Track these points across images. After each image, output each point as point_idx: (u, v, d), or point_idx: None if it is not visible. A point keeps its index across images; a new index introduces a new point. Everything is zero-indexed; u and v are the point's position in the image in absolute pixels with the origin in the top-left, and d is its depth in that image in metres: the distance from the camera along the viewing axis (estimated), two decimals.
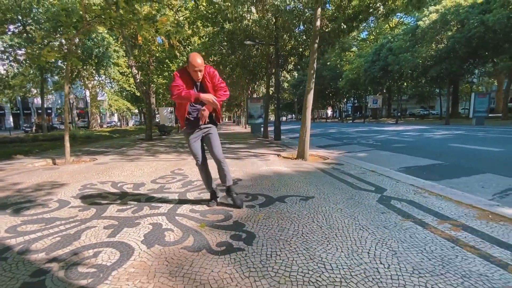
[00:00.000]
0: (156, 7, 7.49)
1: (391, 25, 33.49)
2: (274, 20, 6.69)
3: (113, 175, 4.36)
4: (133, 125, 43.04)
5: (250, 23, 5.69)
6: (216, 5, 8.56)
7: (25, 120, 38.28)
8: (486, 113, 17.55)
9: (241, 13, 5.34)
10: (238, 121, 44.50)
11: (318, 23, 6.31)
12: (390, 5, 6.86)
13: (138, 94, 22.50)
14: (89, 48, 14.65)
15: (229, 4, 5.26)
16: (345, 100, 42.03)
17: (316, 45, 6.29)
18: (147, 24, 5.37)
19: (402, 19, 34.68)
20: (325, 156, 6.23)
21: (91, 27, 6.22)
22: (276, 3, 5.29)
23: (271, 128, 12.79)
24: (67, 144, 5.80)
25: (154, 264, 1.64)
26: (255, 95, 18.78)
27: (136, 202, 2.88)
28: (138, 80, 11.14)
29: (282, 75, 18.43)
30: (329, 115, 66.65)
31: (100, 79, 21.56)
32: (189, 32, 9.06)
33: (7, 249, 1.86)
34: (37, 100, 38.13)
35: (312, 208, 2.65)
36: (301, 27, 9.73)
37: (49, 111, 40.93)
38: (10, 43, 14.11)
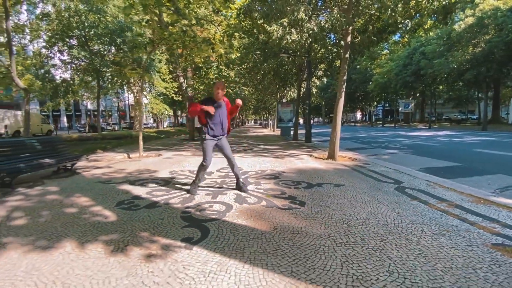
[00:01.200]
0: (207, 28, 8.92)
1: (425, 27, 32.66)
2: (310, 39, 7.70)
3: (185, 166, 5.68)
4: (166, 126, 46.11)
5: (289, 42, 6.77)
6: (259, 27, 9.80)
7: (76, 121, 42.94)
8: None
9: (282, 34, 6.44)
10: (265, 124, 45.78)
11: (349, 38, 7.23)
12: (417, 22, 7.56)
13: (176, 98, 24.62)
14: (140, 58, 16.73)
15: (274, 29, 6.39)
16: (375, 103, 41.42)
17: (347, 56, 7.21)
18: (206, 46, 6.70)
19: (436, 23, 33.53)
20: (353, 157, 7.09)
21: (157, 48, 7.74)
22: (314, 28, 6.33)
23: (300, 131, 13.75)
24: (141, 142, 7.32)
25: (247, 212, 2.79)
26: (284, 100, 19.81)
27: (215, 182, 4.09)
28: (184, 87, 12.75)
29: (312, 81, 19.29)
30: (358, 118, 65.29)
31: (144, 85, 24.07)
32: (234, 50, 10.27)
33: (156, 203, 3.12)
34: (86, 103, 42.67)
35: (343, 191, 3.65)
36: (332, 37, 10.65)
37: (96, 112, 45.36)
38: (77, 55, 16.70)
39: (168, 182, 4.11)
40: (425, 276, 1.62)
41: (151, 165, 5.76)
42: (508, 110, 32.59)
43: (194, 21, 6.72)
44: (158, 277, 1.61)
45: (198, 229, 2.33)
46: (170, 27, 7.36)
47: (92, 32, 16.60)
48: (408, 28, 7.88)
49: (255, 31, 12.32)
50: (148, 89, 27.93)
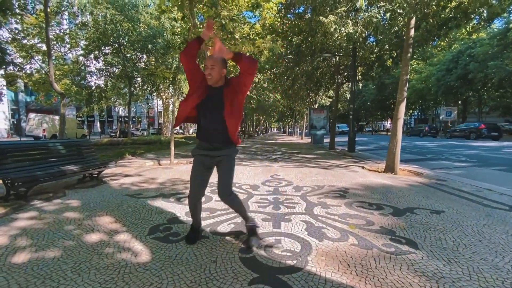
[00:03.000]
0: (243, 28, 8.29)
1: (468, 29, 30.02)
2: (366, 33, 6.72)
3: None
4: (192, 132, 46.62)
5: (343, 35, 5.84)
6: (297, 25, 9.02)
7: (108, 126, 44.83)
8: None
9: (340, 26, 5.54)
10: (290, 132, 44.62)
11: (412, 32, 6.17)
12: (496, 8, 6.29)
13: None
14: (170, 64, 16.68)
15: (332, 20, 5.51)
16: (411, 111, 38.69)
17: (409, 55, 6.14)
18: (248, 43, 5.99)
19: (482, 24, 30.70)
20: (416, 171, 5.89)
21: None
22: (374, 20, 5.37)
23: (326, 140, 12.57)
24: (173, 148, 6.70)
25: (337, 256, 1.86)
26: (316, 106, 18.71)
27: (267, 200, 3.22)
28: None
29: (344, 86, 18.05)
30: (387, 127, 61.83)
31: (171, 91, 24.29)
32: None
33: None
34: (118, 109, 44.49)
35: (453, 221, 2.60)
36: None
37: (126, 118, 47.18)
38: (111, 61, 17.01)
39: (208, 198, 3.30)
40: None
41: (185, 174, 5.04)
42: None
43: (235, 12, 6.07)
44: None
45: None
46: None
47: (126, 39, 16.91)
48: (483, 17, 6.63)
49: (289, 32, 11.58)
50: (176, 96, 28.28)
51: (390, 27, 6.68)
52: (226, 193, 1.99)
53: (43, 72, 13.22)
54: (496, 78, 18.74)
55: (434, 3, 6.36)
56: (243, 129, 44.59)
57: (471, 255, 1.89)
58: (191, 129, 50.18)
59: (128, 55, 17.86)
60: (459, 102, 31.09)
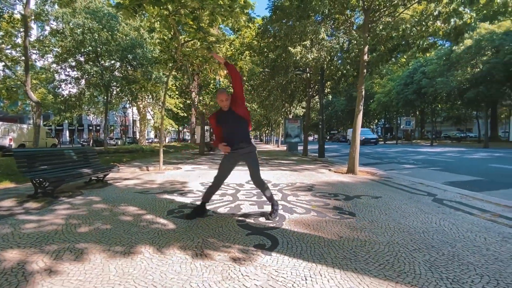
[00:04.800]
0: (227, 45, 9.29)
1: (415, 54, 34.02)
2: (328, 57, 8.04)
3: (211, 178, 5.68)
4: (168, 141, 46.18)
5: (309, 60, 7.05)
6: (273, 45, 10.23)
7: (78, 136, 42.92)
8: None
9: (305, 54, 6.74)
10: (267, 140, 46.05)
11: (365, 57, 7.54)
12: (430, 43, 7.91)
13: (181, 114, 24.89)
14: (150, 72, 17.10)
15: (298, 50, 6.69)
16: (376, 121, 42.11)
17: (364, 73, 7.49)
18: (230, 62, 6.93)
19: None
20: (372, 172, 7.14)
21: (179, 64, 8.00)
22: (336, 46, 6.64)
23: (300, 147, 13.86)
24: (162, 155, 7.36)
25: (302, 221, 2.81)
26: (290, 116, 20.11)
27: (252, 194, 4.11)
28: (196, 103, 12.97)
29: (316, 98, 19.72)
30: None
31: (150, 100, 24.49)
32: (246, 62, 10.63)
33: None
34: (91, 118, 42.91)
35: (384, 202, 3.68)
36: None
37: (98, 127, 45.61)
38: (89, 71, 17.04)
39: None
40: None
41: (178, 177, 5.78)
42: (506, 128, 33.18)
43: (218, 38, 7.02)
44: (257, 280, 1.62)
45: (264, 237, 2.35)
46: (192, 43, 7.66)
47: (104, 49, 17.10)
48: (420, 47, 8.25)
49: (265, 49, 12.79)
50: (155, 104, 28.39)
51: (349, 53, 8.05)
52: (257, 181, 2.92)
53: (16, 79, 13.07)
54: (444, 93, 21.56)
55: (383, 34, 7.82)
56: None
57: (387, 218, 2.93)
58: (167, 138, 49.67)
59: (107, 64, 18.00)
60: (417, 112, 34.65)
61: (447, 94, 21.89)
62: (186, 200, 3.66)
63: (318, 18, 8.63)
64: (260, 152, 17.32)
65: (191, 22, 6.82)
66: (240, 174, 6.25)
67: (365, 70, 7.63)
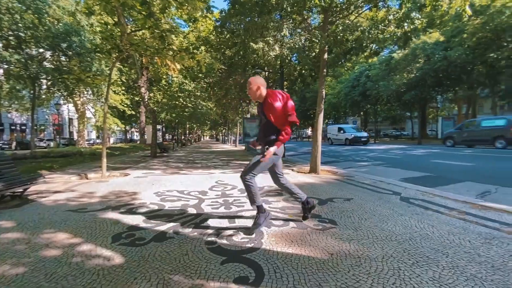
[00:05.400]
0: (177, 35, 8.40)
1: (367, 56, 37.27)
2: (290, 56, 7.89)
3: (168, 185, 4.97)
4: (114, 142, 41.93)
5: (271, 57, 6.77)
6: (230, 41, 9.73)
7: None
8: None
9: (267, 50, 6.43)
10: (224, 139, 45.20)
11: (325, 56, 7.57)
12: (380, 45, 8.35)
13: (129, 112, 22.65)
14: (89, 64, 14.95)
15: (260, 46, 6.34)
16: (327, 121, 44.68)
17: (324, 73, 7.53)
18: (187, 57, 6.24)
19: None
20: (333, 170, 7.22)
21: (124, 54, 6.97)
22: (299, 44, 6.48)
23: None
24: (105, 160, 6.27)
25: (283, 236, 2.43)
26: (248, 115, 19.86)
27: (218, 203, 3.60)
28: (146, 100, 11.72)
29: None
30: (309, 134, 68.98)
31: (91, 96, 21.57)
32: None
33: (164, 233, 2.52)
34: (11, 116, 36.31)
35: (358, 205, 3.54)
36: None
37: (24, 127, 39.03)
38: (9, 59, 14.11)
39: (161, 206, 3.46)
40: None
41: (126, 186, 4.90)
42: (433, 127, 38.40)
43: (172, 26, 6.25)
44: None
45: (245, 264, 1.89)
46: (142, 32, 6.72)
47: (29, 34, 14.36)
48: (372, 50, 8.68)
49: (222, 46, 12.21)
50: (96, 101, 25.12)
51: (309, 52, 8.03)
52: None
53: None
54: (385, 95, 23.78)
55: (340, 35, 7.98)
56: (175, 137, 42.71)
57: (368, 224, 2.73)
58: (112, 139, 45.03)
59: (34, 52, 15.17)
60: (361, 113, 37.82)
61: (388, 96, 24.19)
62: (137, 219, 2.97)
63: (277, 17, 8.45)
64: (218, 152, 16.63)
65: (139, 7, 5.93)
66: (202, 180, 5.64)
67: (325, 70, 7.67)
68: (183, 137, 30.21)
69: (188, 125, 30.72)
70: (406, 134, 41.82)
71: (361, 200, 3.81)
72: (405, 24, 6.23)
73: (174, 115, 17.90)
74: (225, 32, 10.35)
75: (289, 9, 7.23)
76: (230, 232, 2.53)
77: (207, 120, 29.17)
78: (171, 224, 2.76)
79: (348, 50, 9.49)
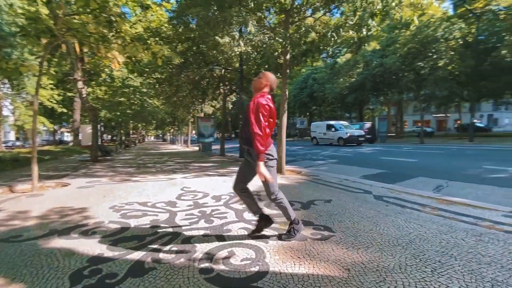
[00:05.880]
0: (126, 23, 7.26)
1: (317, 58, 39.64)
2: (256, 53, 7.66)
3: (126, 196, 4.21)
4: (40, 145, 35.66)
5: (236, 53, 6.45)
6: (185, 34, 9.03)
7: None
8: (386, 133, 22.58)
9: (233, 46, 6.06)
10: (173, 140, 42.69)
11: (288, 56, 7.58)
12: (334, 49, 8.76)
13: (59, 109, 19.46)
14: (9, 52, 12.20)
15: (226, 41, 5.94)
16: (277, 121, 46.21)
17: (287, 73, 7.53)
18: (141, 47, 5.45)
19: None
20: (296, 170, 7.28)
21: (63, 40, 5.78)
22: (267, 41, 6.29)
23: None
24: (36, 168, 5.06)
25: (286, 252, 2.16)
26: (202, 115, 19.00)
27: (195, 216, 3.13)
28: (84, 96, 10.07)
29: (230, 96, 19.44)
30: None
31: (8, 90, 17.70)
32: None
33: (141, 263, 2.00)
34: None
35: (341, 207, 3.49)
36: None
37: None
38: None
39: (125, 225, 2.83)
40: None
41: (70, 200, 3.96)
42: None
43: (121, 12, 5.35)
44: None
45: None
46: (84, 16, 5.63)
47: None
48: (329, 54, 9.06)
49: (175, 39, 11.29)
50: (15, 96, 20.69)
51: (272, 51, 7.93)
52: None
53: None
54: (330, 97, 25.62)
55: (297, 37, 8.09)
56: (115, 137, 38.54)
57: (364, 229, 2.65)
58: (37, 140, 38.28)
59: None
60: (307, 114, 40.15)
61: (332, 98, 26.13)
62: (98, 244, 2.33)
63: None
64: (170, 154, 15.47)
65: None
66: (164, 187, 4.98)
67: (288, 71, 7.67)
68: (126, 137, 27.38)
69: (131, 125, 27.93)
70: None
71: (340, 201, 3.79)
72: (363, 29, 6.60)
73: (118, 113, 15.94)
74: (179, 25, 9.56)
75: (252, 5, 7.00)
76: (224, 253, 2.14)
77: (154, 119, 27.06)
78: (146, 249, 2.22)
79: (305, 52, 9.75)
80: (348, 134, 17.90)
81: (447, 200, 3.73)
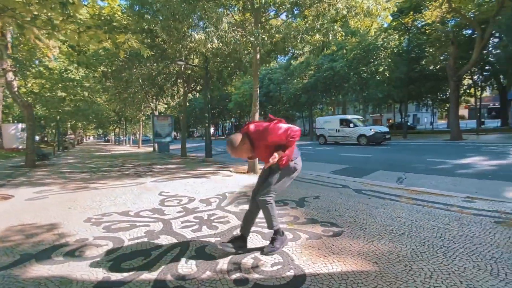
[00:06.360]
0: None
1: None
2: (229, 50, 7.45)
3: (95, 207, 3.66)
4: None
5: (209, 49, 6.19)
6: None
7: None
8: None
9: (208, 41, 5.78)
10: (118, 140, 38.94)
11: (258, 56, 7.60)
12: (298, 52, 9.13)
13: None
14: None
15: (202, 37, 5.66)
16: (232, 119, 45.94)
17: (258, 73, 7.55)
18: (103, 36, 4.79)
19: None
20: None
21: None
22: (235, 38, 6.22)
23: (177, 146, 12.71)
24: None
25: (311, 250, 2.17)
26: (156, 113, 17.76)
27: (195, 223, 2.90)
28: (16, 89, 8.41)
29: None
30: (212, 133, 68.83)
31: None
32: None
33: (163, 283, 1.77)
34: None
35: (331, 202, 3.65)
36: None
37: None
38: None
39: (117, 241, 2.46)
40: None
41: (26, 216, 3.26)
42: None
43: None
44: None
45: None
46: None
47: None
48: (294, 55, 9.40)
49: (127, 28, 10.25)
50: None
51: (243, 49, 7.84)
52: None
53: None
54: (285, 97, 26.60)
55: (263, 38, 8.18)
56: (45, 138, 33.36)
57: (365, 222, 2.82)
58: None
59: None
60: (262, 113, 41.01)
61: (287, 98, 27.18)
62: (95, 268, 1.97)
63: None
64: (122, 155, 14.06)
65: None
66: (138, 193, 4.49)
67: (258, 70, 7.69)
68: (64, 138, 23.87)
69: (69, 123, 24.51)
70: None
71: (327, 197, 3.97)
72: (330, 34, 7.01)
73: (59, 110, 13.74)
74: (137, 15, 8.71)
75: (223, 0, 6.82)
76: (248, 260, 2.03)
77: (98, 117, 24.30)
78: (158, 266, 1.97)
79: (269, 52, 9.93)
80: (373, 131, 14.45)
81: (414, 190, 4.21)
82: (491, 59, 20.43)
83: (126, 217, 3.17)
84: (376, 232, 2.53)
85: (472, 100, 27.41)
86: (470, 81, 24.10)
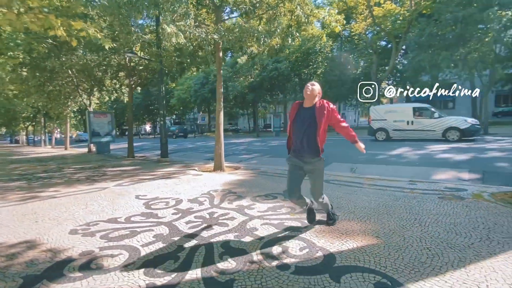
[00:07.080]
0: None
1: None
2: (192, 46, 7.17)
3: (67, 218, 3.22)
4: None
5: (176, 43, 5.92)
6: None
7: None
8: (280, 128, 25.99)
9: (177, 35, 5.52)
10: (33, 141, 32.60)
11: (221, 54, 7.63)
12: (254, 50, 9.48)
13: None
14: None
15: (174, 31, 5.38)
16: (174, 116, 43.64)
17: (221, 71, 7.58)
18: (55, 19, 4.13)
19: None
20: (234, 166, 7.53)
21: None
22: (201, 35, 6.12)
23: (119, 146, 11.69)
24: None
25: (333, 234, 2.49)
26: (91, 109, 15.62)
27: (200, 222, 2.91)
28: None
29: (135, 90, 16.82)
30: (149, 130, 63.64)
31: None
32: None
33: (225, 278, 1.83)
34: None
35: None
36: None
37: None
38: None
39: (130, 250, 2.30)
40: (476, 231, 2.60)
41: (3, 228, 2.66)
42: (259, 123, 47.45)
43: None
44: None
45: (366, 272, 1.83)
46: None
47: None
48: (251, 55, 9.69)
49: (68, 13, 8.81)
50: None
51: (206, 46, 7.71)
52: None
53: None
54: (232, 95, 26.76)
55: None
56: None
57: (360, 210, 3.31)
58: None
59: None
60: (207, 109, 40.30)
61: (235, 96, 27.40)
62: (133, 276, 1.86)
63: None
64: (53, 159, 11.99)
65: None
66: (111, 199, 4.10)
67: (221, 69, 7.73)
68: None
69: None
70: (240, 128, 49.28)
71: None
72: (289, 39, 7.52)
73: None
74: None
75: None
76: (277, 248, 2.23)
77: (9, 113, 19.96)
78: (195, 266, 1.99)
79: (225, 50, 10.02)
80: (470, 122, 11.53)
81: (369, 178, 5.02)
82: (400, 68, 24.90)
83: (117, 224, 2.93)
84: (363, 214, 3.03)
85: (385, 101, 32.96)
86: (386, 85, 28.89)
